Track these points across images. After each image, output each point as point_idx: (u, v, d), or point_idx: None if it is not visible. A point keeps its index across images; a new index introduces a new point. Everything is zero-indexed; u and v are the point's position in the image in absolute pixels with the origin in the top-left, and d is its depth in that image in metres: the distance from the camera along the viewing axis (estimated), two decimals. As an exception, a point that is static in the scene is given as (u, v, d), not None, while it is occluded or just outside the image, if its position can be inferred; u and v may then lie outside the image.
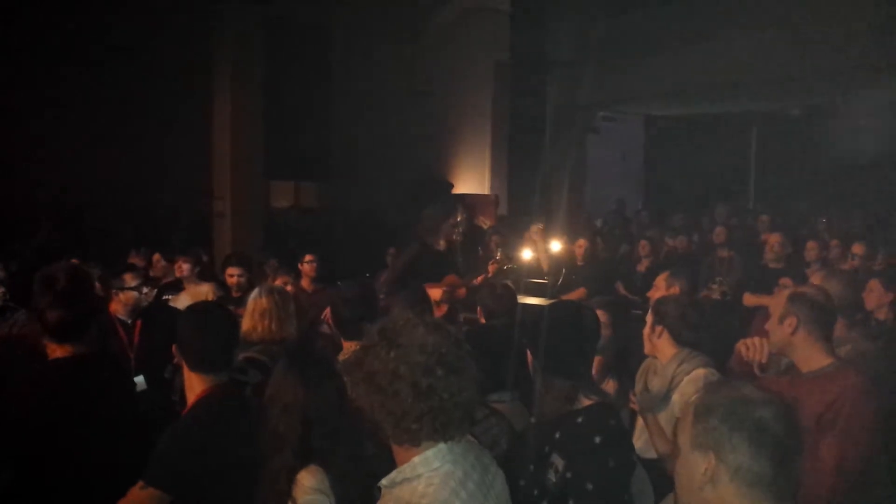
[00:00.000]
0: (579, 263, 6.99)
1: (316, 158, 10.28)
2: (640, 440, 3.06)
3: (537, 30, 10.17)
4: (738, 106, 12.66)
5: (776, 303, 2.75)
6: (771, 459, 1.40)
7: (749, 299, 5.76)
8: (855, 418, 2.46)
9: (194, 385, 2.36)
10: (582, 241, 7.17)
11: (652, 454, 2.88)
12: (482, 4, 11.63)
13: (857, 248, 5.93)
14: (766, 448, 1.40)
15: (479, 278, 5.16)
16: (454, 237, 5.51)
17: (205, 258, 5.89)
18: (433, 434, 1.56)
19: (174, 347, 2.39)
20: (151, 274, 6.15)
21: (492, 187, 12.78)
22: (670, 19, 9.56)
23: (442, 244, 5.27)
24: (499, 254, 5.63)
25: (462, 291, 5.10)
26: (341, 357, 2.89)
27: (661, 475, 2.41)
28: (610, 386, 3.46)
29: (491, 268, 5.20)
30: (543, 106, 10.44)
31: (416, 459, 1.57)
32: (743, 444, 1.40)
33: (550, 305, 2.80)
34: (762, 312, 3.16)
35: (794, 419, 1.45)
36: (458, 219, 5.37)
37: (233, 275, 5.29)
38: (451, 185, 11.87)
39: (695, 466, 1.46)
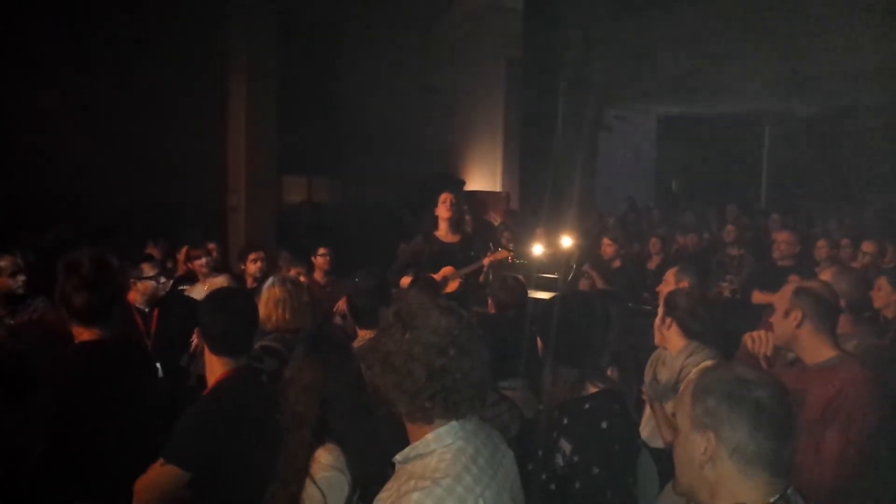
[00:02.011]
0: (614, 265, 6.65)
1: (329, 154, 10.38)
2: (647, 428, 3.12)
3: (550, 28, 10.18)
4: (751, 105, 12.66)
5: (781, 297, 2.78)
6: (769, 438, 1.45)
7: (758, 297, 5.77)
8: (858, 409, 2.49)
9: (215, 368, 2.44)
10: (608, 240, 6.86)
11: (658, 443, 2.93)
12: (495, 2, 11.66)
13: (867, 247, 5.95)
14: (765, 427, 1.45)
15: (472, 269, 5.09)
16: (461, 223, 5.45)
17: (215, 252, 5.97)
18: (445, 412, 1.62)
19: (196, 330, 2.47)
20: (169, 265, 6.24)
21: (503, 184, 12.80)
22: (682, 18, 9.57)
23: (452, 237, 5.26)
24: (504, 246, 5.54)
25: (454, 285, 5.03)
26: (356, 345, 2.96)
27: (668, 463, 2.47)
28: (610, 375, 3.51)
29: (486, 260, 5.09)
30: (555, 104, 10.44)
31: (429, 436, 1.63)
32: (742, 423, 1.45)
33: (561, 296, 2.86)
34: (771, 310, 3.19)
35: (789, 399, 1.50)
36: (446, 201, 5.22)
37: (256, 259, 5.39)
38: (463, 182, 11.90)
39: (694, 446, 1.51)
